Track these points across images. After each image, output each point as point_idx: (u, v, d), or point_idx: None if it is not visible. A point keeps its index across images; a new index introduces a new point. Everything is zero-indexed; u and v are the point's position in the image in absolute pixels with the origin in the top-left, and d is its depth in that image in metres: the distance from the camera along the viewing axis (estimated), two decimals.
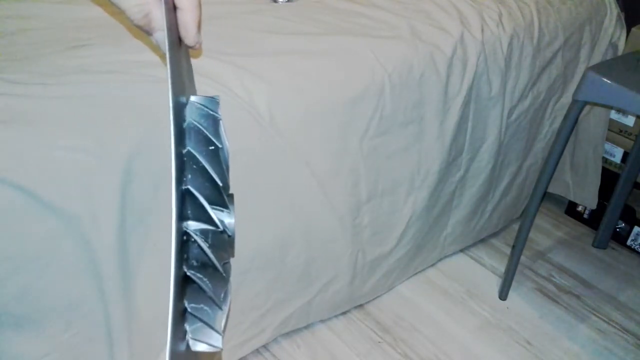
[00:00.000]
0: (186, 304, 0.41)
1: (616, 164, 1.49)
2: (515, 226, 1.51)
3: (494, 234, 1.52)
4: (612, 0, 1.43)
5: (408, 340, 1.21)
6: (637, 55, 1.18)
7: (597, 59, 1.41)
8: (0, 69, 0.78)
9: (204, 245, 0.41)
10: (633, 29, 1.41)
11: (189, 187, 0.41)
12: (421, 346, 1.19)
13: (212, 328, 0.42)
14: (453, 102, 1.13)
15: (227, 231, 0.44)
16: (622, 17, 1.44)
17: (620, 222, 1.51)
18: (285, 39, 0.98)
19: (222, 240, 0.44)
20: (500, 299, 1.33)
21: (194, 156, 0.42)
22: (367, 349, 1.18)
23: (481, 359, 1.18)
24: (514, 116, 1.28)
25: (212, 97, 0.45)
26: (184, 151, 0.41)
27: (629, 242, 1.51)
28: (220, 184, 0.43)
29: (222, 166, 0.44)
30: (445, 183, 1.22)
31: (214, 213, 0.42)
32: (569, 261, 1.47)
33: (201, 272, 0.41)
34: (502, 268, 1.41)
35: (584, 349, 1.22)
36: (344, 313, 1.24)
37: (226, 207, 0.44)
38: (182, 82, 0.44)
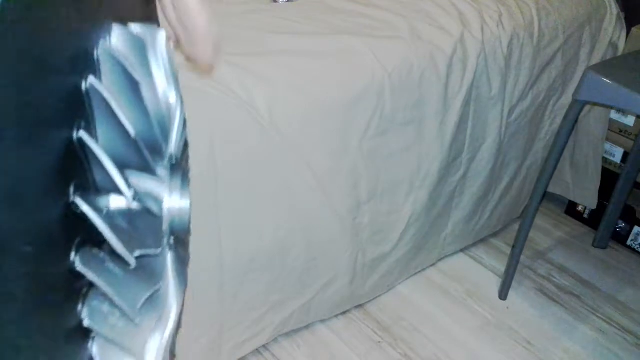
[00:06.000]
0: (84, 316, 0.28)
1: (616, 164, 1.49)
2: (515, 226, 1.51)
3: (494, 234, 1.52)
4: (612, 0, 1.43)
5: (408, 340, 1.21)
6: None
7: (597, 59, 1.41)
8: None
9: (99, 223, 0.27)
10: (633, 29, 1.41)
11: (82, 134, 0.28)
12: (421, 346, 1.19)
13: (124, 349, 0.28)
14: (453, 102, 1.13)
15: (154, 208, 0.31)
16: (622, 17, 1.44)
17: (620, 222, 1.51)
18: (285, 39, 0.98)
19: (147, 223, 0.31)
20: (500, 299, 1.33)
21: (98, 93, 0.29)
22: (367, 349, 1.18)
23: (481, 359, 1.18)
24: (514, 116, 1.28)
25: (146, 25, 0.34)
26: (85, 85, 0.29)
27: (629, 242, 1.51)
28: (132, 132, 0.29)
29: (144, 110, 0.31)
30: (445, 183, 1.22)
31: (119, 176, 0.28)
32: (569, 261, 1.47)
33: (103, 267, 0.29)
34: (502, 268, 1.41)
35: (584, 349, 1.22)
36: (344, 313, 1.24)
37: (151, 172, 0.31)
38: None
